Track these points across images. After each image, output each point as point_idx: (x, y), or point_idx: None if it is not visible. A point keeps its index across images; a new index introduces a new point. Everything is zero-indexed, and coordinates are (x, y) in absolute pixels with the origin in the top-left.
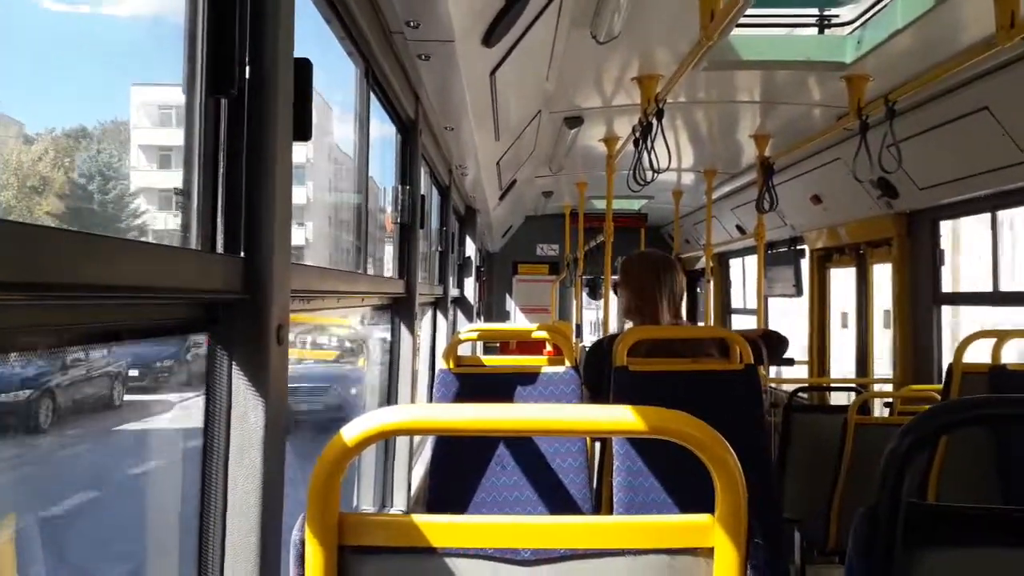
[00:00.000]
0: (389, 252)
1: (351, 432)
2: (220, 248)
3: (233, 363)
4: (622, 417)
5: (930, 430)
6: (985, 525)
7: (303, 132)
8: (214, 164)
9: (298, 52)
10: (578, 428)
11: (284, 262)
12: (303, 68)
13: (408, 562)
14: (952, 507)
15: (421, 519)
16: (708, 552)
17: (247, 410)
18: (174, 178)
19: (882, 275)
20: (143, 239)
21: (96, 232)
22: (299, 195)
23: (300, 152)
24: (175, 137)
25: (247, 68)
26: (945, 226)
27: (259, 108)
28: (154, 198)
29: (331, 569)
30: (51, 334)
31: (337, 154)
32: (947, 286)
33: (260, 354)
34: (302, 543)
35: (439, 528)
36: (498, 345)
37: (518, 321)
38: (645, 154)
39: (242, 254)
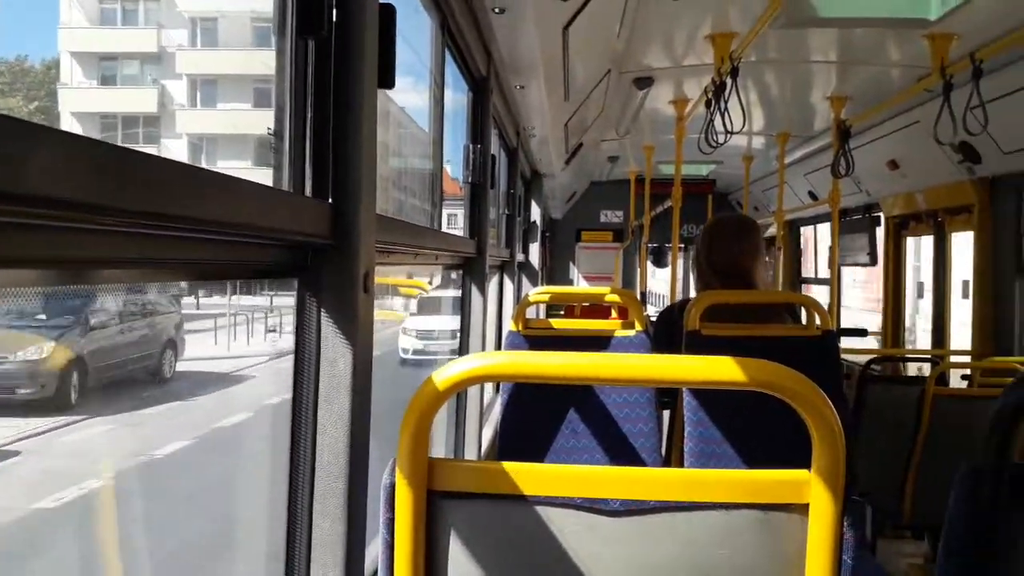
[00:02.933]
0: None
1: (441, 377)
2: (309, 192)
3: (322, 310)
4: (717, 367)
5: None
6: None
7: (388, 79)
8: (303, 107)
9: None
10: (675, 378)
11: (370, 210)
12: (388, 13)
13: (496, 508)
14: None
15: (509, 466)
16: (803, 508)
17: (336, 356)
18: None
19: (960, 244)
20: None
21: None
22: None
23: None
24: None
25: (335, 11)
26: None
27: (346, 52)
28: None
29: (420, 512)
30: (143, 264)
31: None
32: None
33: (348, 301)
34: (392, 486)
35: (528, 475)
36: (562, 312)
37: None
38: (717, 115)
39: (330, 200)
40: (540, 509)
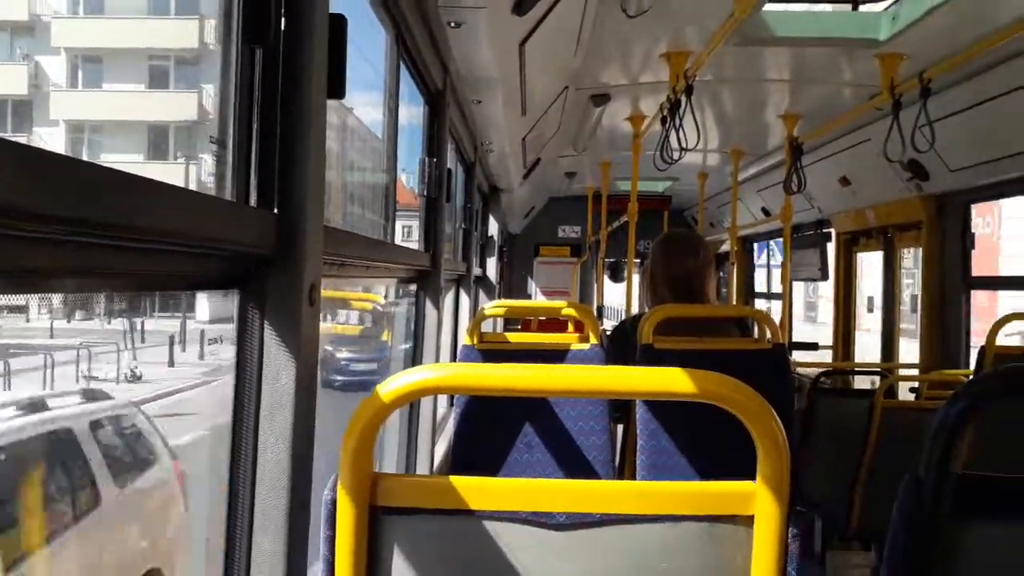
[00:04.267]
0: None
1: (386, 389)
2: (253, 202)
3: (265, 322)
4: (668, 378)
5: (983, 398)
6: None
7: (338, 89)
8: (248, 115)
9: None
10: (625, 389)
11: (317, 221)
12: (338, 23)
13: (440, 524)
14: (1001, 478)
15: (455, 480)
16: (749, 520)
17: (279, 370)
18: None
19: (910, 260)
20: (178, 185)
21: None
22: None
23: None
24: None
25: (283, 19)
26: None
27: (294, 61)
28: None
29: (362, 529)
30: (72, 275)
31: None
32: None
33: (292, 314)
34: (334, 503)
35: (473, 490)
36: (519, 326)
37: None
38: (672, 132)
39: (275, 210)
40: (486, 524)
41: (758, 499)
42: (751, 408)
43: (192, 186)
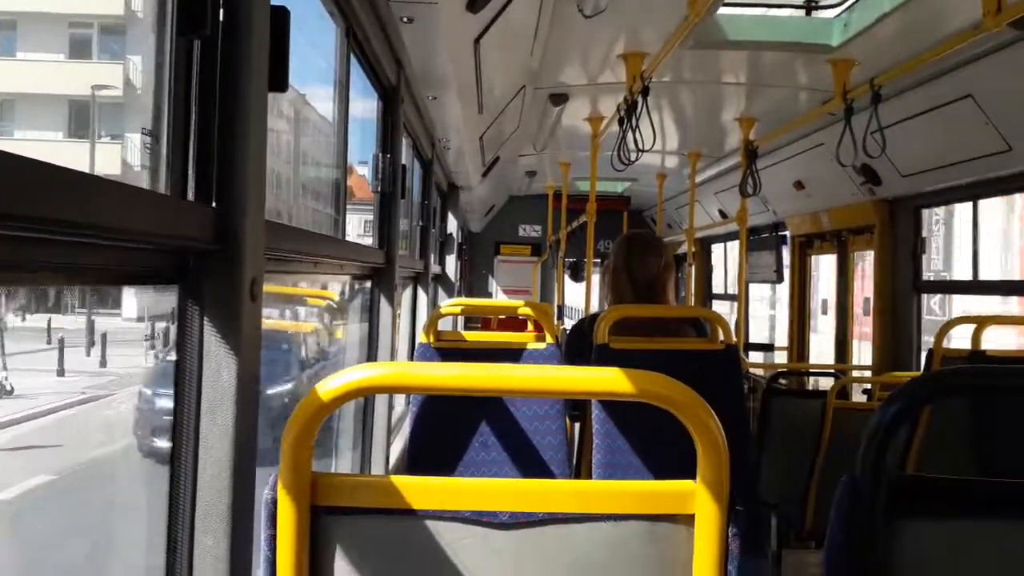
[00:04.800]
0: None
1: (326, 388)
2: (191, 196)
3: (205, 318)
4: (607, 378)
5: (915, 400)
6: (966, 496)
7: (279, 82)
8: (185, 108)
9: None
10: (563, 389)
11: (258, 216)
12: (280, 15)
13: (383, 524)
14: (934, 478)
15: (397, 480)
16: (689, 519)
17: (219, 367)
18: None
19: (863, 263)
20: (109, 178)
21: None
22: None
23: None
24: None
25: (221, 10)
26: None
27: (233, 53)
28: None
29: (303, 529)
30: (9, 269)
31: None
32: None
33: (233, 310)
34: (274, 503)
35: (415, 489)
36: (479, 324)
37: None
38: (630, 133)
39: (214, 204)
40: (429, 523)
41: (698, 498)
42: (689, 407)
43: (117, 166)
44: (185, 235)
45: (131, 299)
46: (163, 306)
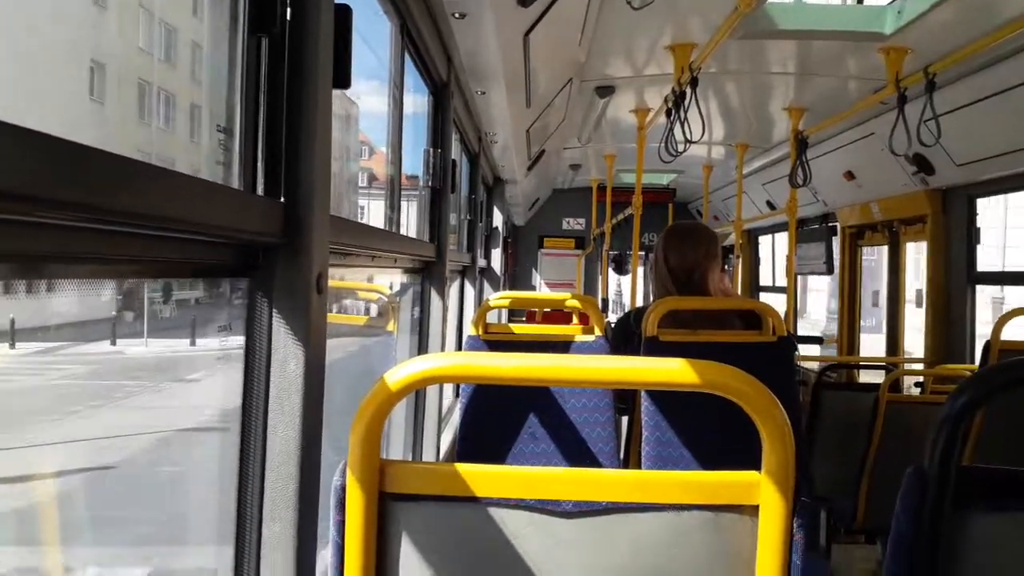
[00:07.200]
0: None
1: (393, 378)
2: (260, 191)
3: (273, 310)
4: (675, 369)
5: (985, 390)
6: None
7: (343, 79)
8: (255, 104)
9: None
10: (631, 379)
11: (324, 211)
12: (343, 14)
13: (448, 510)
14: (1002, 470)
15: (462, 468)
16: (754, 510)
17: (287, 358)
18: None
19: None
20: (185, 173)
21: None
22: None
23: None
24: None
25: (288, 9)
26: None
27: (300, 50)
28: None
29: (372, 515)
30: (83, 261)
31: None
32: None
33: (300, 302)
34: (343, 489)
35: (481, 477)
36: (524, 317)
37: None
38: (677, 125)
39: (282, 199)
40: (493, 511)
41: (763, 489)
42: (755, 398)
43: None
44: (256, 229)
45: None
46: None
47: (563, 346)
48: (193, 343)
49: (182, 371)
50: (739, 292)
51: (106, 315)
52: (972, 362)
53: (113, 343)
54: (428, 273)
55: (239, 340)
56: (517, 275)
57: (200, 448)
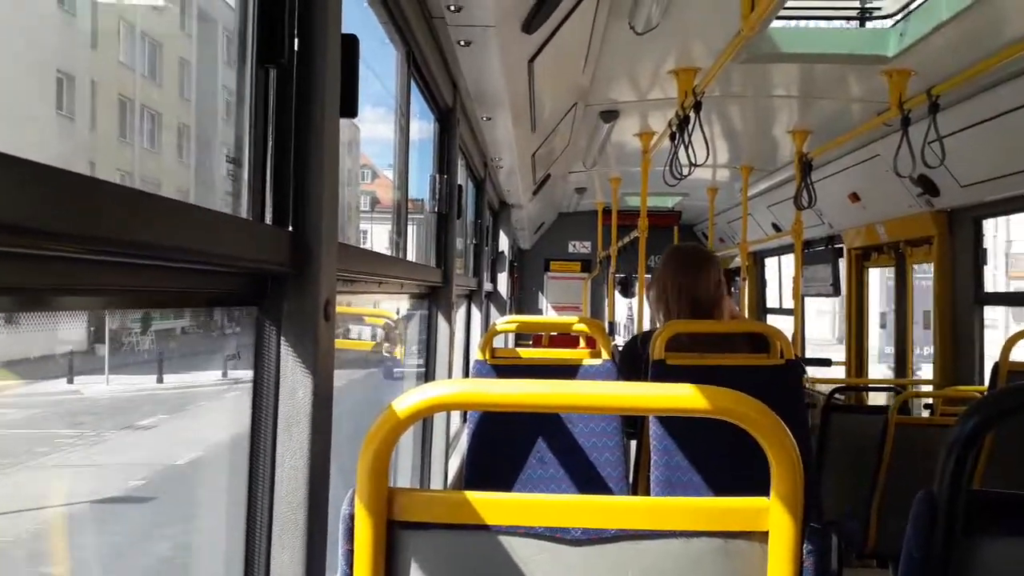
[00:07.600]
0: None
1: (401, 406)
2: (269, 220)
3: (282, 338)
4: (682, 395)
5: (995, 412)
6: None
7: (350, 108)
8: (264, 135)
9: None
10: (640, 405)
11: (332, 238)
12: (350, 44)
13: (457, 538)
14: (1014, 494)
15: (472, 495)
16: (763, 536)
17: (295, 386)
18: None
19: (921, 275)
20: (193, 203)
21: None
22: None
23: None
24: None
25: (295, 40)
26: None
27: (307, 80)
28: None
29: (380, 544)
30: (92, 292)
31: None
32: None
33: (308, 330)
34: (351, 517)
35: (489, 505)
36: (530, 341)
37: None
38: (681, 148)
39: (291, 227)
40: (502, 539)
41: (772, 515)
42: (764, 424)
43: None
44: (264, 258)
45: None
46: None
47: (571, 370)
48: (160, 380)
49: (138, 415)
50: (746, 314)
51: (64, 350)
52: (981, 382)
53: (70, 381)
54: (434, 298)
55: (215, 375)
56: (523, 299)
57: (112, 528)
